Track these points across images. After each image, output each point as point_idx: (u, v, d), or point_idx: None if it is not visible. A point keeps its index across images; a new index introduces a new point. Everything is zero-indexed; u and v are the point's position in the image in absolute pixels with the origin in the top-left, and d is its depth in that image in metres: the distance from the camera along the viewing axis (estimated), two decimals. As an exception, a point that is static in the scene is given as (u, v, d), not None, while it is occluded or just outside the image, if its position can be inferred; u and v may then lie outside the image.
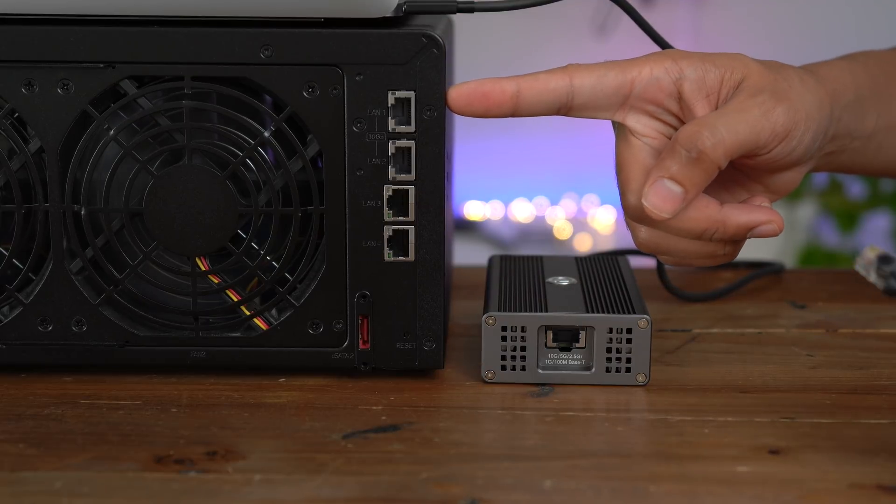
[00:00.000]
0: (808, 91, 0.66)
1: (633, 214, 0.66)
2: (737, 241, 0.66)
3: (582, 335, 0.67)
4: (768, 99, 0.64)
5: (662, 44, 0.72)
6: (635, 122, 0.65)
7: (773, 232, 0.65)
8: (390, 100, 0.64)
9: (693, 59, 0.65)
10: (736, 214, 0.64)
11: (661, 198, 0.62)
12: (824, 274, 0.95)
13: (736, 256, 0.67)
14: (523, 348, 0.67)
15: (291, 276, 0.67)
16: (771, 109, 0.63)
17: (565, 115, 0.66)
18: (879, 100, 0.72)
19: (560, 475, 0.57)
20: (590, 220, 2.77)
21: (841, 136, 0.70)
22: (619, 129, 0.66)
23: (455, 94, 0.64)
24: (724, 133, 0.62)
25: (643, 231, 0.66)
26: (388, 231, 0.66)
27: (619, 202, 0.66)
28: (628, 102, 0.65)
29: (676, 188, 0.62)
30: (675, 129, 0.66)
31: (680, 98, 0.65)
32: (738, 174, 0.67)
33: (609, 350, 0.67)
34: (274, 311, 0.68)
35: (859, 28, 2.54)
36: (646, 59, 0.65)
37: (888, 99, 0.73)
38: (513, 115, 0.65)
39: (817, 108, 0.66)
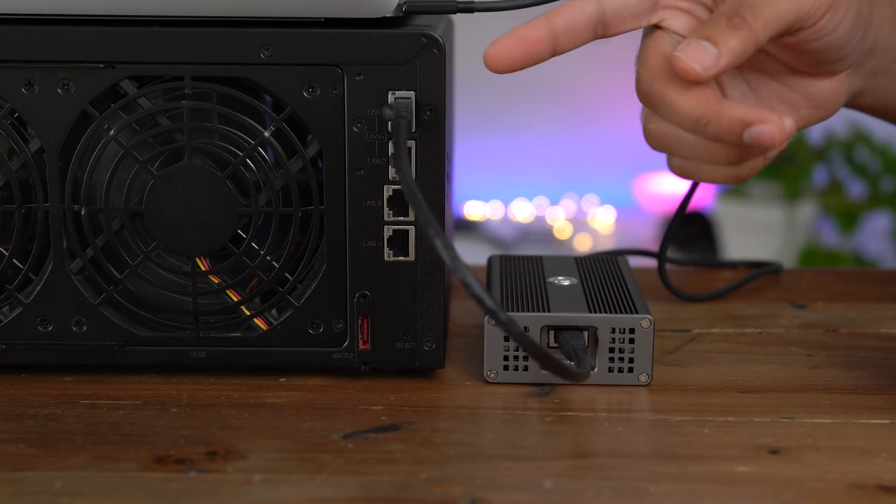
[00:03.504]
0: None
1: (646, 96, 0.63)
2: (742, 150, 0.63)
3: (584, 335, 0.67)
4: None
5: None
6: (670, 20, 0.64)
7: (771, 135, 0.60)
8: (390, 100, 0.64)
9: None
10: (733, 107, 0.61)
11: (695, 53, 0.59)
12: (824, 274, 0.94)
13: (743, 177, 0.65)
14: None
15: (291, 276, 0.67)
16: None
17: (604, 36, 0.64)
18: None
19: (560, 475, 0.57)
20: (590, 220, 2.78)
21: (880, 52, 0.68)
22: (650, 27, 0.65)
23: (494, 51, 0.61)
24: (765, 3, 0.60)
25: (652, 121, 0.64)
26: (388, 231, 0.66)
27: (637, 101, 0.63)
28: (660, 3, 0.63)
29: (712, 49, 0.59)
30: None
31: None
32: (780, 77, 0.66)
33: (612, 350, 0.67)
34: (274, 311, 0.68)
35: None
36: None
37: None
38: (555, 54, 0.63)
39: (861, 10, 0.64)
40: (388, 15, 0.64)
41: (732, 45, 0.60)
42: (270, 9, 0.64)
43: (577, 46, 0.63)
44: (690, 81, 0.60)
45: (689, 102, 0.61)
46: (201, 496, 0.54)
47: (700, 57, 0.59)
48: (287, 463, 0.58)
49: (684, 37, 0.63)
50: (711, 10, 0.64)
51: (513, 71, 0.62)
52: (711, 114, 0.61)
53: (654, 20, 0.64)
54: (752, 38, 0.60)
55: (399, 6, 0.65)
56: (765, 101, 0.67)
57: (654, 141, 0.65)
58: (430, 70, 0.64)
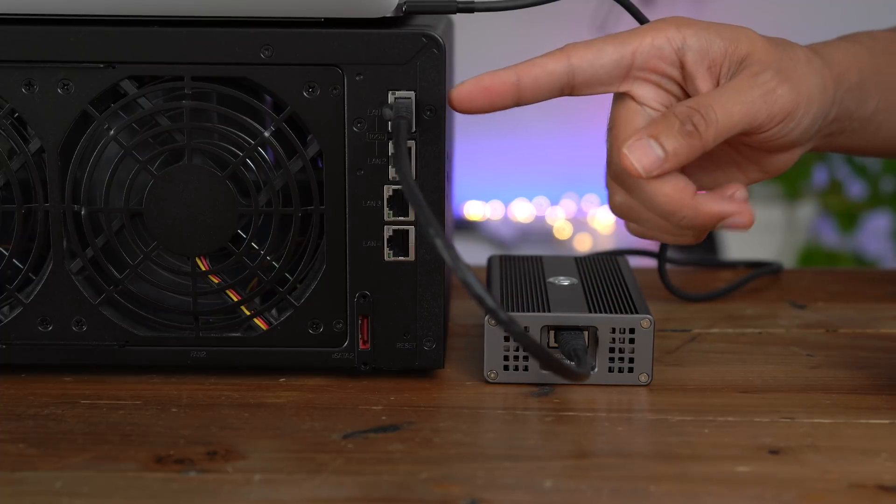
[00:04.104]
0: (813, 72, 0.65)
1: (615, 174, 0.65)
2: (707, 230, 0.65)
3: (584, 335, 0.67)
4: (771, 79, 0.63)
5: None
6: (638, 90, 0.65)
7: (742, 224, 0.64)
8: (390, 100, 0.64)
9: (697, 29, 0.64)
10: (708, 204, 0.63)
11: (642, 153, 0.62)
12: (824, 274, 0.94)
13: (700, 240, 0.67)
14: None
15: (291, 276, 0.67)
16: (772, 90, 0.63)
17: (570, 94, 0.65)
18: (881, 82, 0.72)
19: (560, 475, 0.57)
20: (590, 220, 2.77)
21: (841, 119, 0.69)
22: (620, 94, 0.66)
23: (457, 94, 0.64)
24: (720, 115, 0.62)
25: (619, 195, 0.66)
26: (388, 231, 0.66)
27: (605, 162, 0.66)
28: (631, 74, 0.65)
29: (659, 150, 0.62)
30: (677, 97, 0.65)
31: (682, 67, 0.64)
32: (732, 152, 0.67)
33: (612, 350, 0.67)
34: (274, 311, 0.68)
35: (859, 28, 2.54)
36: (647, 28, 0.65)
37: (889, 81, 0.72)
38: (518, 105, 0.64)
39: (820, 90, 0.65)
40: (388, 15, 0.64)
41: (680, 150, 0.62)
42: (270, 9, 0.64)
43: (541, 101, 0.65)
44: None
45: (662, 195, 0.63)
46: (201, 496, 0.54)
47: (645, 158, 0.62)
48: (287, 463, 0.58)
49: (653, 108, 0.65)
50: (680, 85, 0.65)
51: (475, 113, 0.64)
52: (686, 210, 0.63)
53: (623, 88, 0.65)
54: (700, 146, 0.62)
55: (399, 6, 0.65)
56: (716, 160, 0.67)
57: (620, 212, 0.67)
58: (430, 70, 0.64)
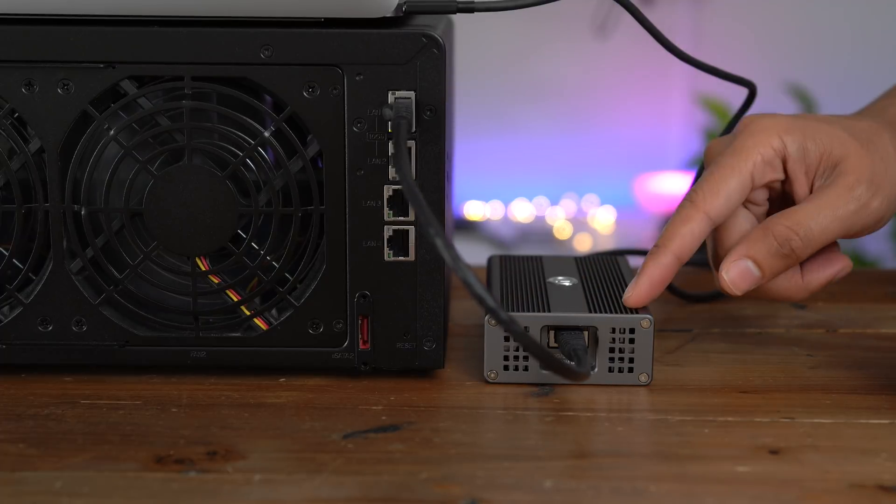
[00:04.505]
0: None
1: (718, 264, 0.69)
2: None
3: (585, 335, 0.67)
4: (865, 192, 0.66)
5: (664, 43, 0.72)
6: (750, 196, 0.69)
7: (845, 274, 0.70)
8: (390, 100, 0.64)
9: (795, 135, 0.67)
10: (816, 280, 0.69)
11: (739, 275, 0.67)
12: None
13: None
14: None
15: (291, 276, 0.67)
16: (867, 204, 0.66)
17: None
18: None
19: (560, 475, 0.57)
20: (590, 220, 2.77)
21: None
22: None
23: (636, 300, 0.67)
24: (817, 233, 0.66)
25: None
26: (388, 231, 0.66)
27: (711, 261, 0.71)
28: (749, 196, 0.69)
29: (756, 271, 0.67)
30: (777, 192, 0.69)
31: (785, 171, 0.68)
32: None
33: (612, 350, 0.67)
34: (274, 311, 0.68)
35: (859, 27, 2.54)
36: (754, 141, 0.68)
37: None
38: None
39: None
40: (388, 15, 0.64)
41: (776, 270, 0.67)
42: (270, 9, 0.64)
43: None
44: None
45: (774, 291, 0.69)
46: (201, 496, 0.54)
47: (742, 282, 0.67)
48: (287, 463, 0.58)
49: (757, 205, 0.69)
50: (780, 182, 0.69)
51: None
52: (800, 293, 0.69)
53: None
54: (795, 263, 0.67)
55: (399, 6, 0.65)
56: None
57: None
58: (430, 70, 0.64)
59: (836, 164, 0.67)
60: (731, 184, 0.67)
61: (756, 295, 0.69)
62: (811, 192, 0.68)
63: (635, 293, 0.67)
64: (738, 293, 0.67)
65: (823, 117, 0.70)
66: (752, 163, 0.67)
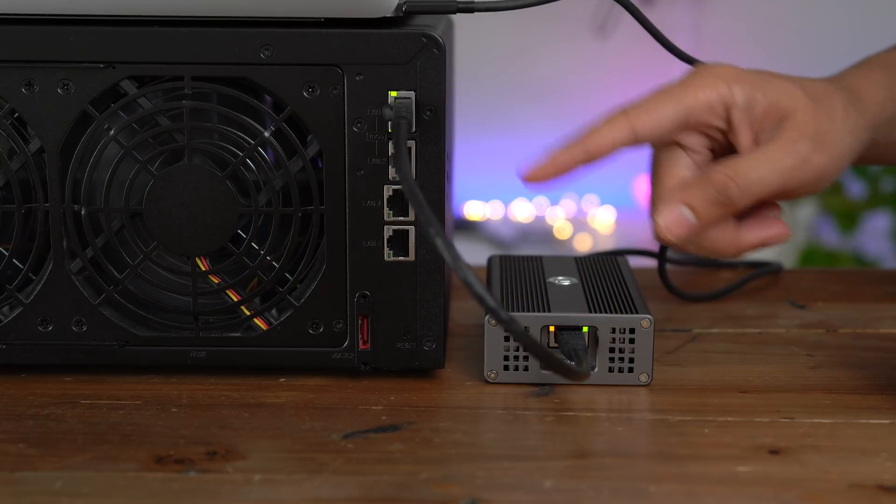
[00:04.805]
0: (849, 131, 0.67)
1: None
2: None
3: (585, 335, 0.67)
4: (807, 147, 0.65)
5: (664, 43, 0.72)
6: (686, 139, 0.67)
7: (781, 242, 0.68)
8: (390, 100, 0.64)
9: (745, 85, 0.66)
10: (750, 236, 0.67)
11: (674, 221, 0.65)
12: (824, 274, 0.95)
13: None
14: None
15: (291, 276, 0.67)
16: (808, 159, 0.65)
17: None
18: None
19: (560, 475, 0.57)
20: (590, 220, 2.77)
21: (869, 148, 0.71)
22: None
23: (531, 174, 0.65)
24: (755, 182, 0.64)
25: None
26: (388, 231, 0.66)
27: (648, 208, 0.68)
28: (685, 128, 0.67)
29: (692, 218, 0.65)
30: (719, 143, 0.68)
31: (728, 121, 0.67)
32: None
33: (612, 350, 0.67)
34: (274, 311, 0.68)
35: (859, 27, 2.54)
36: (700, 82, 0.67)
37: None
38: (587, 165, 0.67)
39: (853, 149, 0.68)
40: (388, 15, 0.64)
41: (712, 216, 0.65)
42: (270, 9, 0.64)
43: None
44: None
45: (707, 239, 0.66)
46: (201, 496, 0.54)
47: (676, 228, 0.65)
48: (287, 463, 0.58)
49: (696, 152, 0.67)
50: (722, 131, 0.67)
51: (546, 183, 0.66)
52: (730, 247, 0.67)
53: (674, 140, 0.68)
54: (731, 211, 0.66)
55: (399, 6, 0.65)
56: None
57: (665, 242, 0.68)
58: (430, 70, 0.64)
59: (782, 118, 0.66)
60: (666, 109, 0.66)
61: (688, 249, 0.68)
62: (755, 144, 0.67)
63: (534, 169, 0.65)
64: (673, 239, 0.65)
65: (781, 74, 0.69)
66: (693, 98, 0.66)
